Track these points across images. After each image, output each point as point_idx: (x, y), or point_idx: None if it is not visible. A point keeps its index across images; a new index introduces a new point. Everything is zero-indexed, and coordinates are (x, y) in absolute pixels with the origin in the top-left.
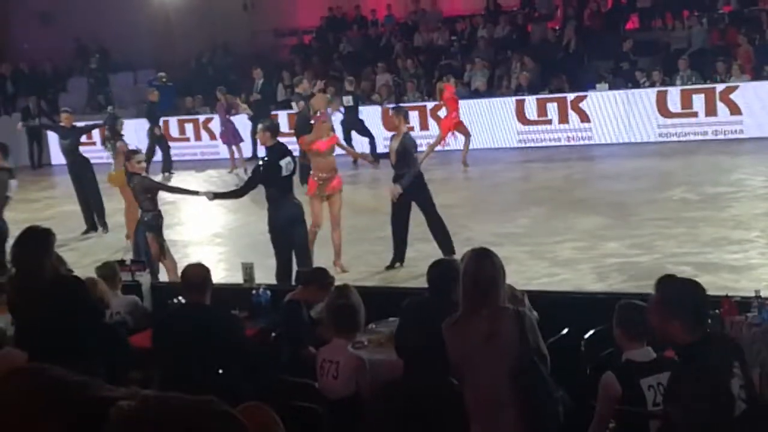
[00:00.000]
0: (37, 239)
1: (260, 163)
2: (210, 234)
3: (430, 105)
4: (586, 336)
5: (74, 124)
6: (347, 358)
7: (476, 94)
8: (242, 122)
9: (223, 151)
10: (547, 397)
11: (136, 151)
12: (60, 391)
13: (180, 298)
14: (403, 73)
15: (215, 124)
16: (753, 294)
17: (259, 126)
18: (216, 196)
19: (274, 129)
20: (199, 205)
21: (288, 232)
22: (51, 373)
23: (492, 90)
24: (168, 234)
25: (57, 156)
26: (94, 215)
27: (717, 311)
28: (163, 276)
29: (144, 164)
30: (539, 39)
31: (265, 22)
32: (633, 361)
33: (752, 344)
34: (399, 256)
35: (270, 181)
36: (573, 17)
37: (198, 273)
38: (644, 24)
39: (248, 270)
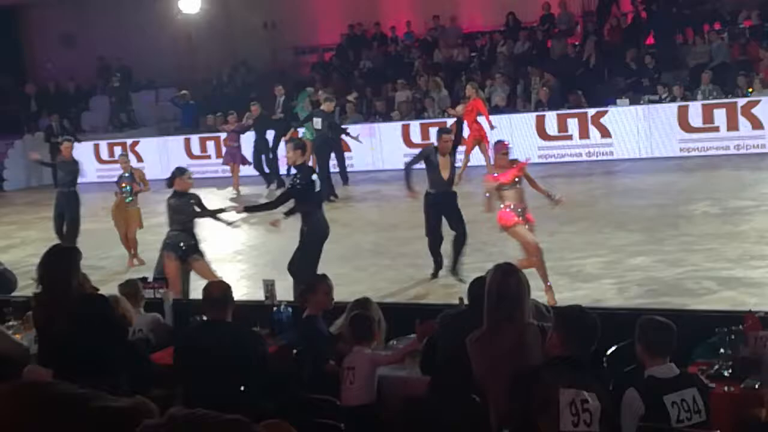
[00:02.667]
0: (63, 257)
1: (296, 180)
2: (231, 251)
3: (449, 121)
4: (609, 352)
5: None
6: (361, 359)
7: (496, 109)
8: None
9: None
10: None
11: (185, 169)
12: (67, 404)
13: (202, 315)
14: (422, 90)
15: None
16: None
17: (289, 145)
18: (247, 209)
19: (303, 147)
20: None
21: (320, 247)
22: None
23: (512, 106)
24: None
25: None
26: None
27: (740, 326)
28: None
29: (192, 181)
30: (559, 54)
31: (286, 39)
32: (656, 378)
33: None
34: (437, 266)
35: (307, 198)
36: (593, 32)
37: (219, 290)
38: (665, 39)
39: (269, 287)
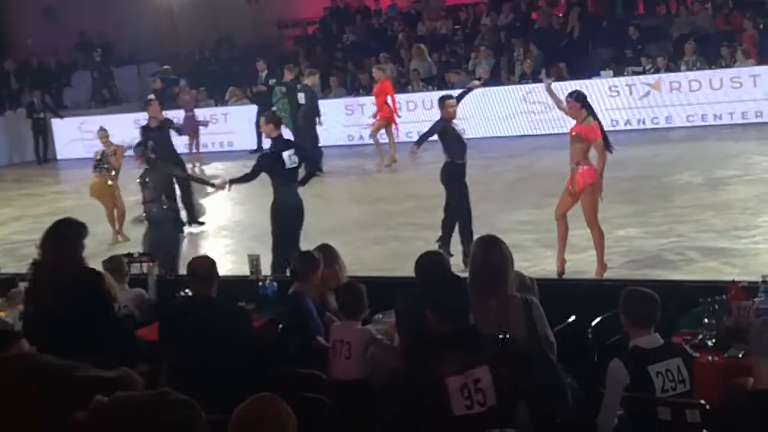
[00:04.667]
0: (63, 231)
1: (264, 152)
2: (216, 226)
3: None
4: (593, 323)
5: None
6: (358, 335)
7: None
8: (245, 114)
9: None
10: (555, 384)
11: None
12: (50, 373)
13: (186, 290)
14: (406, 65)
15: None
16: (760, 279)
17: (262, 118)
18: (232, 182)
19: (277, 121)
20: (206, 197)
21: (289, 220)
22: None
23: (496, 78)
24: None
25: (62, 150)
26: None
27: (724, 297)
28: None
29: None
30: (543, 26)
31: (269, 13)
32: (640, 348)
33: (762, 333)
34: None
35: (272, 170)
36: (576, 4)
37: (204, 265)
38: (648, 10)
39: (255, 262)
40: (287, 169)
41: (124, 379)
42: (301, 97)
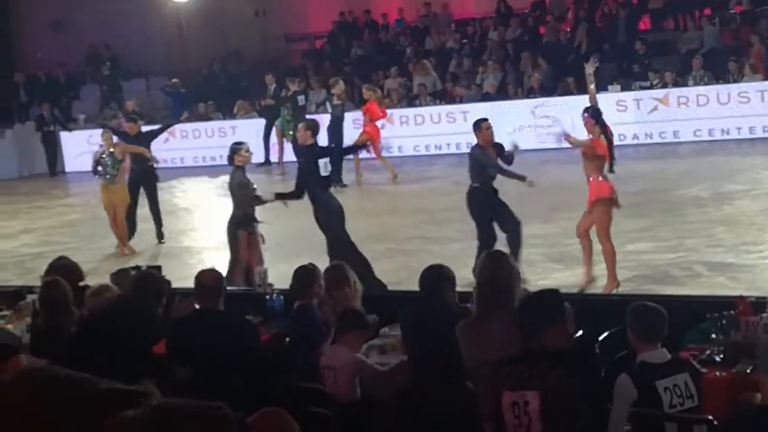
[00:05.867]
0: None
1: (301, 167)
2: (224, 239)
3: (445, 109)
4: (601, 338)
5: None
6: (344, 362)
7: (487, 97)
8: (252, 127)
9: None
10: (563, 399)
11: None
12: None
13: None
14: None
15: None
16: None
17: (301, 125)
18: (278, 196)
19: (314, 128)
20: (213, 210)
21: (338, 224)
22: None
23: (503, 93)
24: (182, 240)
25: (71, 163)
26: None
27: (732, 312)
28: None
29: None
30: (551, 41)
31: (277, 27)
32: (648, 363)
33: None
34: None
35: (312, 181)
36: (584, 19)
37: (211, 278)
38: (656, 25)
39: (262, 275)
40: (324, 176)
41: (146, 392)
42: (329, 106)
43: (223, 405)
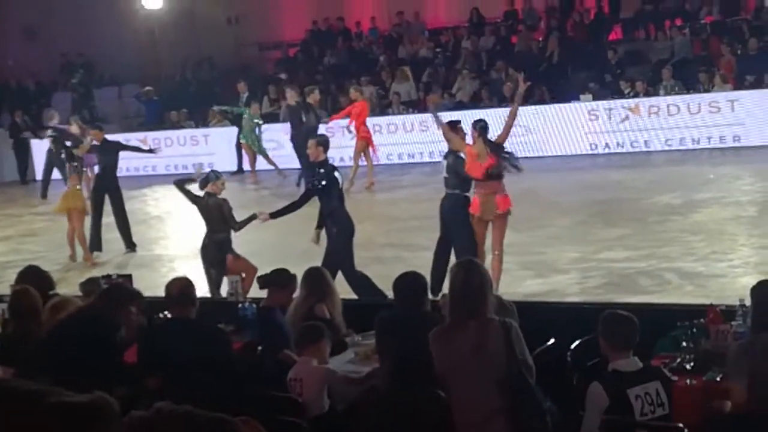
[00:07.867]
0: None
1: (319, 177)
2: (195, 248)
3: (418, 118)
4: (573, 346)
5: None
6: (309, 373)
7: (461, 105)
8: (225, 135)
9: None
10: (534, 407)
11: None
12: (20, 399)
13: (165, 312)
14: (387, 87)
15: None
16: (738, 303)
17: (311, 141)
18: (273, 215)
19: (325, 144)
20: (185, 219)
21: (351, 240)
22: (11, 383)
23: (477, 101)
24: (154, 248)
25: (41, 171)
26: None
27: (702, 320)
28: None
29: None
30: (523, 50)
31: (250, 35)
32: (620, 371)
33: (739, 357)
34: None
35: (331, 194)
36: (556, 28)
37: (182, 287)
38: (627, 34)
39: (234, 284)
40: (340, 189)
41: (98, 404)
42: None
43: (224, 416)
